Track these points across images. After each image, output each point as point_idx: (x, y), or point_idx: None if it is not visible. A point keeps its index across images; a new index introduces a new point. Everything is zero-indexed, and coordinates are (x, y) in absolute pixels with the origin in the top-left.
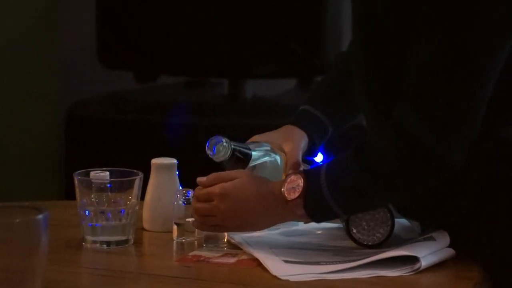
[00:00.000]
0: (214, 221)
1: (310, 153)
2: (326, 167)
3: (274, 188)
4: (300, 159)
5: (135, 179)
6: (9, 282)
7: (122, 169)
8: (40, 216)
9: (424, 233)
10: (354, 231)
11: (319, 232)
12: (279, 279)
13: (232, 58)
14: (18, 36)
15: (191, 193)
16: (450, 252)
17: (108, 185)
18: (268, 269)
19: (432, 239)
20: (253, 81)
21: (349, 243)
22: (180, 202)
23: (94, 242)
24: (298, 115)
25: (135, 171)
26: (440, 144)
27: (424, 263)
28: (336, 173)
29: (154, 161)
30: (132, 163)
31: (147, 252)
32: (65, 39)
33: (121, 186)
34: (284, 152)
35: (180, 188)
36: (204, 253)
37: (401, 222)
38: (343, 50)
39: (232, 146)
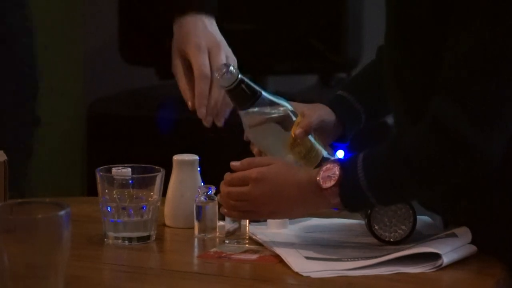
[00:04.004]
0: (246, 206)
1: (341, 139)
2: (363, 156)
3: (310, 176)
4: (314, 123)
5: (157, 175)
6: (31, 278)
7: (144, 165)
8: (62, 212)
9: (446, 229)
10: (376, 227)
11: (341, 228)
12: (300, 275)
13: (253, 54)
14: (40, 33)
15: (212, 189)
16: (472, 248)
17: (130, 181)
18: (289, 265)
19: (454, 235)
20: (274, 78)
21: (371, 239)
22: (202, 199)
23: (116, 238)
24: (332, 99)
25: (157, 167)
26: (481, 138)
27: (446, 259)
28: (373, 163)
29: (176, 157)
30: (153, 159)
31: (169, 248)
32: (87, 36)
33: (143, 182)
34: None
35: (202, 184)
36: (226, 250)
37: (423, 218)
38: (363, 47)
39: (240, 76)
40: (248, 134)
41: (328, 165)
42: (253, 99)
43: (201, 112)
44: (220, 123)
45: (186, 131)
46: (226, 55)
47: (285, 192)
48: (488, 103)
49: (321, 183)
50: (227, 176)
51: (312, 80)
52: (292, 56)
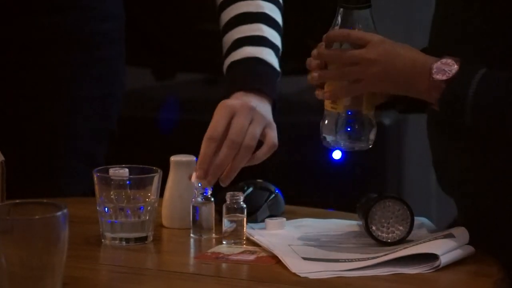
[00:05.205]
0: (354, 71)
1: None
2: (485, 72)
3: (428, 59)
4: None
5: (154, 176)
6: (28, 279)
7: (141, 166)
8: (59, 213)
9: (443, 230)
10: (373, 228)
11: (338, 229)
12: (298, 276)
13: None
14: None
15: (209, 190)
16: (470, 249)
17: (127, 182)
18: (287, 266)
19: (451, 236)
20: None
21: (369, 240)
22: (199, 199)
23: (113, 239)
24: None
25: (154, 168)
26: None
27: (443, 260)
28: (491, 82)
29: (173, 158)
30: (151, 160)
31: (166, 249)
32: None
33: (140, 183)
34: None
35: (199, 185)
36: (223, 250)
37: (420, 219)
38: None
39: None
40: None
41: (449, 60)
42: (368, 2)
43: (199, 175)
44: (224, 184)
45: (183, 132)
46: (264, 125)
47: (399, 63)
48: None
49: (433, 71)
50: (341, 33)
51: None
52: (290, 57)
